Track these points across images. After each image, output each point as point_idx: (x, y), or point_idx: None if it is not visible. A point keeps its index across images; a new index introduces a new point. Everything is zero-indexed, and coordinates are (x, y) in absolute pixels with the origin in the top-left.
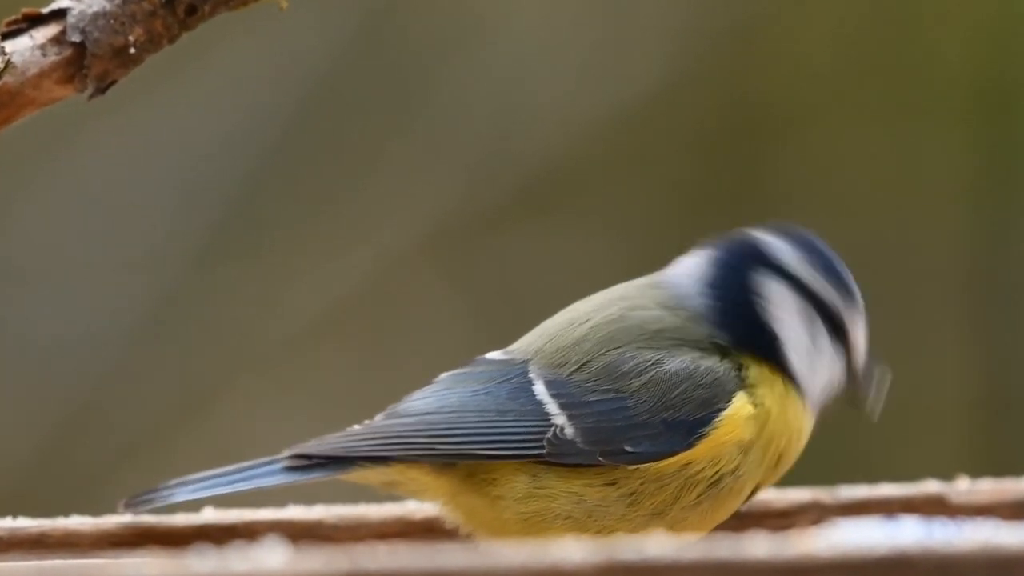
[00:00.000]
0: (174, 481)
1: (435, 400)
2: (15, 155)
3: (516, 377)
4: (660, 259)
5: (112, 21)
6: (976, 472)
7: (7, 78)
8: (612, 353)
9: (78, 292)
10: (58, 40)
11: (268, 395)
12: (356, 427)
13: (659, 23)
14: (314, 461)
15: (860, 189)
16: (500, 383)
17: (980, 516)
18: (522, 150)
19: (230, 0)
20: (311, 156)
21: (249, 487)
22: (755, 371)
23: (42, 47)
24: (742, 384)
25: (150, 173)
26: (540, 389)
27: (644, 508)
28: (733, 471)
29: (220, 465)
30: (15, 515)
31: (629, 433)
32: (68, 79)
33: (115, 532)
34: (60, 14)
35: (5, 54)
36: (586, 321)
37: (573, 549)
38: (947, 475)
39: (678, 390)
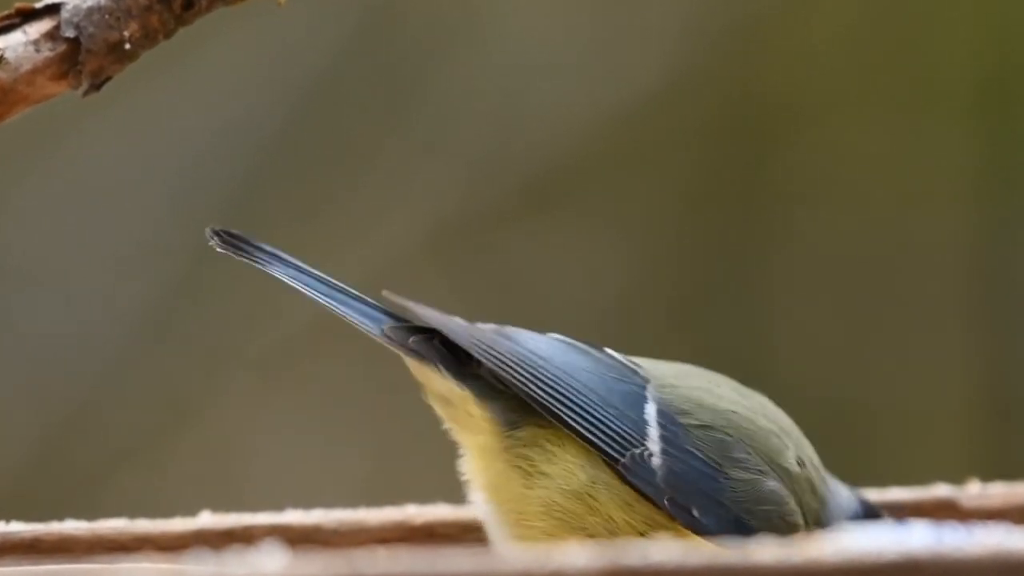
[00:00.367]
0: (269, 247)
1: (548, 349)
2: (8, 152)
3: (634, 386)
4: (664, 258)
5: (107, 16)
6: (987, 476)
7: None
8: (730, 437)
9: (73, 291)
10: (52, 35)
11: (267, 396)
12: (460, 320)
13: (663, 18)
14: (411, 343)
15: (864, 186)
16: (616, 380)
17: (991, 521)
18: (524, 148)
19: None
20: (310, 153)
21: (341, 314)
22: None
23: (36, 43)
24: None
25: (146, 171)
26: (651, 410)
27: None
28: None
29: (218, 470)
30: (8, 519)
31: (705, 502)
32: (62, 75)
33: (110, 536)
34: (54, 9)
35: None
36: (721, 396)
37: (576, 554)
38: (958, 479)
39: (766, 506)
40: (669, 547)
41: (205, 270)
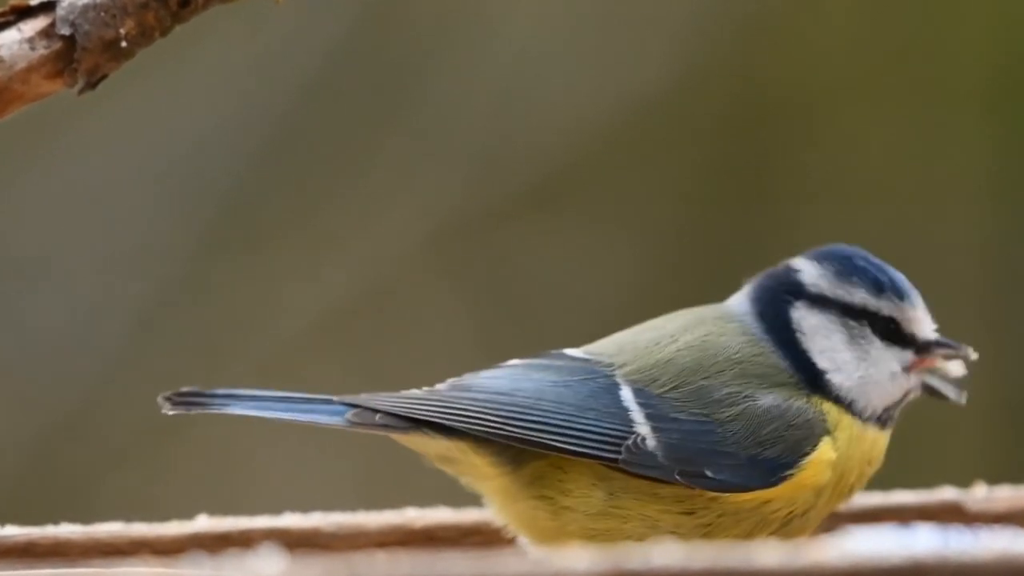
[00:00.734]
0: (222, 390)
1: (508, 382)
2: (4, 151)
3: (601, 378)
4: (670, 257)
5: (103, 13)
6: (994, 479)
7: None
8: (704, 380)
9: (68, 292)
10: (47, 33)
11: None
12: (416, 391)
13: (670, 12)
14: (378, 417)
15: (875, 183)
16: (582, 380)
17: (998, 524)
18: (527, 146)
19: None
20: (309, 152)
21: (305, 420)
22: (828, 411)
23: (30, 40)
24: (826, 429)
25: (143, 170)
26: (627, 395)
27: (716, 540)
28: (804, 513)
29: (215, 473)
30: (2, 523)
31: (712, 459)
32: (57, 73)
33: (106, 540)
34: (49, 6)
35: None
36: (673, 341)
37: (578, 557)
38: (964, 482)
39: (769, 428)
40: (671, 550)
41: (201, 271)
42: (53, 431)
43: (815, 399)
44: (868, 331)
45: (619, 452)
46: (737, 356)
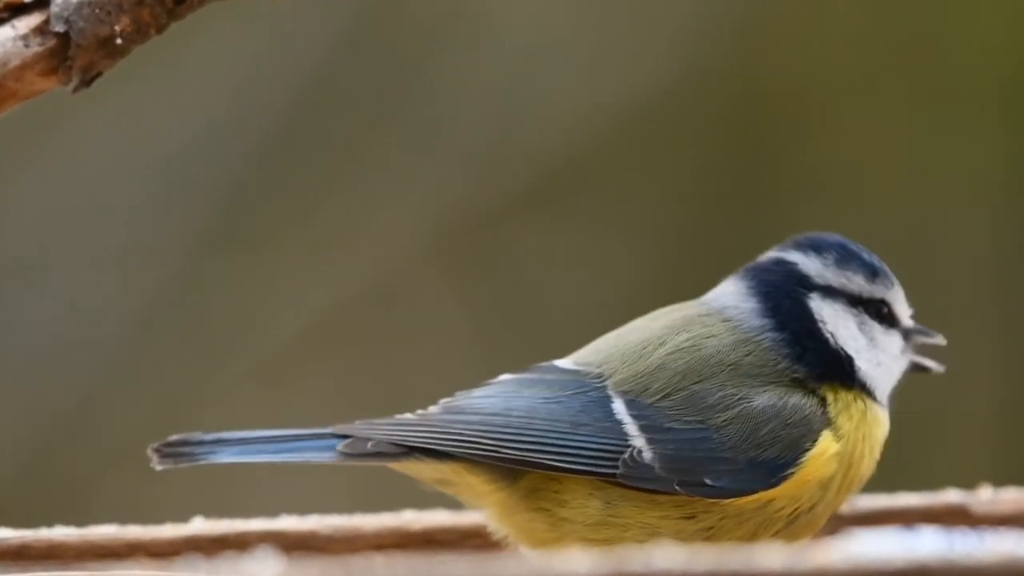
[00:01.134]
0: (209, 436)
1: (500, 401)
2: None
3: (592, 391)
4: (668, 256)
5: (98, 10)
6: (999, 481)
7: None
8: (696, 385)
9: (63, 292)
10: (41, 30)
11: (261, 398)
12: (409, 416)
13: (671, 12)
14: (370, 445)
15: (881, 182)
16: (573, 394)
17: (1003, 527)
18: (527, 145)
19: None
20: (309, 150)
21: (297, 460)
22: (834, 400)
23: (24, 37)
24: (827, 422)
25: (140, 169)
26: (620, 408)
27: (719, 543)
28: (811, 508)
29: (211, 474)
30: None
31: (710, 466)
32: (52, 71)
33: (101, 543)
34: (44, 3)
35: None
36: (661, 344)
37: (579, 560)
38: (969, 484)
39: (766, 428)
40: (672, 553)
41: (199, 271)
42: (48, 432)
43: (816, 388)
44: (869, 317)
45: (616, 467)
46: (730, 358)
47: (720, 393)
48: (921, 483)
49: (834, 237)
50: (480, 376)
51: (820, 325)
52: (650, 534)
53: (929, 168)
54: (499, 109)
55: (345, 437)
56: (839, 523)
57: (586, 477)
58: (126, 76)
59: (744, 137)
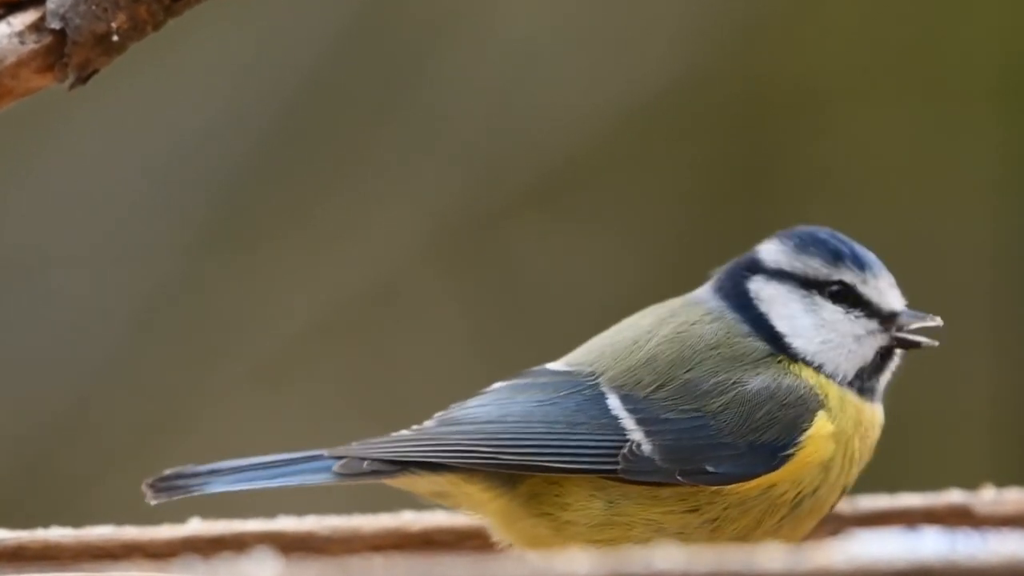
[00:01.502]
0: (203, 467)
1: (496, 408)
2: None
3: (586, 390)
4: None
5: (94, 7)
6: (1002, 481)
7: None
8: (688, 373)
9: (60, 292)
10: (37, 27)
11: (258, 398)
12: (405, 431)
13: (673, 10)
14: (366, 464)
15: (882, 180)
16: (568, 395)
17: (1006, 527)
18: (527, 144)
19: None
20: (307, 149)
21: (293, 484)
22: (813, 380)
23: (20, 34)
24: (821, 403)
25: (138, 167)
26: (615, 403)
27: (725, 534)
28: (814, 492)
29: None
30: None
31: (711, 452)
32: (47, 68)
33: (97, 544)
34: (39, 0)
35: None
36: (650, 338)
37: (579, 561)
38: (972, 484)
39: (763, 411)
40: (673, 553)
41: (197, 270)
42: (44, 432)
43: (802, 372)
44: (820, 298)
45: (616, 463)
46: (713, 342)
47: (713, 380)
48: (923, 483)
49: (819, 228)
50: (479, 375)
51: (755, 302)
52: (655, 530)
53: (928, 168)
54: (499, 108)
55: (340, 458)
56: (841, 524)
57: (587, 477)
58: (123, 74)
59: (744, 136)
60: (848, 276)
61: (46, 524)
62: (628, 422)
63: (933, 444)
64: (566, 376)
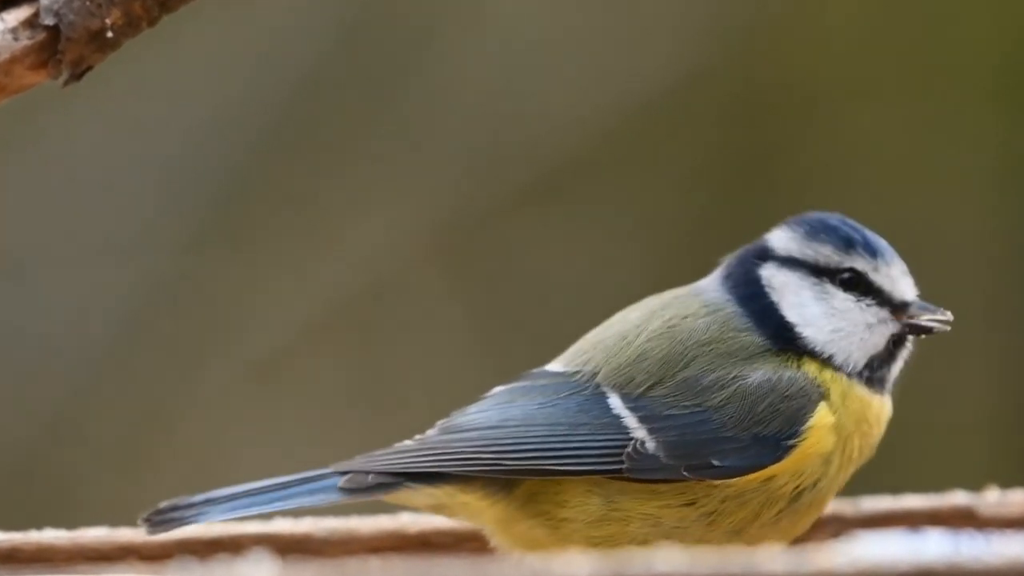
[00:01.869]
0: (199, 497)
1: (496, 414)
2: None
3: (586, 390)
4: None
5: (88, 3)
6: (1006, 483)
7: None
8: (685, 370)
9: (53, 289)
10: (31, 23)
11: (254, 400)
12: (408, 442)
13: (674, 8)
14: (371, 478)
15: (882, 176)
16: (568, 396)
17: (1010, 529)
18: (527, 141)
19: None
20: (304, 146)
21: (296, 506)
22: (815, 372)
23: (14, 31)
24: (822, 394)
25: (133, 164)
26: (616, 403)
27: (722, 527)
28: (814, 484)
29: (203, 476)
30: None
31: (715, 447)
32: (41, 64)
33: (92, 546)
34: None
35: None
36: (639, 332)
37: (579, 562)
38: (976, 486)
39: (764, 403)
40: (674, 555)
41: (191, 268)
42: (38, 433)
43: (803, 364)
44: (831, 286)
45: (621, 462)
46: (705, 337)
47: (712, 375)
48: (927, 485)
49: (830, 214)
50: (478, 373)
51: (767, 291)
52: (652, 525)
53: (927, 166)
54: (498, 106)
55: (344, 473)
56: (843, 525)
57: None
58: (117, 71)
59: (743, 135)
60: (860, 263)
61: (40, 526)
62: (631, 420)
63: (937, 445)
64: (565, 377)
